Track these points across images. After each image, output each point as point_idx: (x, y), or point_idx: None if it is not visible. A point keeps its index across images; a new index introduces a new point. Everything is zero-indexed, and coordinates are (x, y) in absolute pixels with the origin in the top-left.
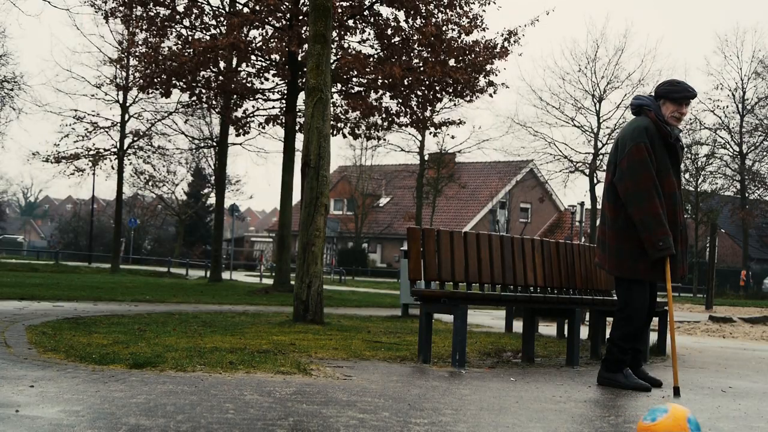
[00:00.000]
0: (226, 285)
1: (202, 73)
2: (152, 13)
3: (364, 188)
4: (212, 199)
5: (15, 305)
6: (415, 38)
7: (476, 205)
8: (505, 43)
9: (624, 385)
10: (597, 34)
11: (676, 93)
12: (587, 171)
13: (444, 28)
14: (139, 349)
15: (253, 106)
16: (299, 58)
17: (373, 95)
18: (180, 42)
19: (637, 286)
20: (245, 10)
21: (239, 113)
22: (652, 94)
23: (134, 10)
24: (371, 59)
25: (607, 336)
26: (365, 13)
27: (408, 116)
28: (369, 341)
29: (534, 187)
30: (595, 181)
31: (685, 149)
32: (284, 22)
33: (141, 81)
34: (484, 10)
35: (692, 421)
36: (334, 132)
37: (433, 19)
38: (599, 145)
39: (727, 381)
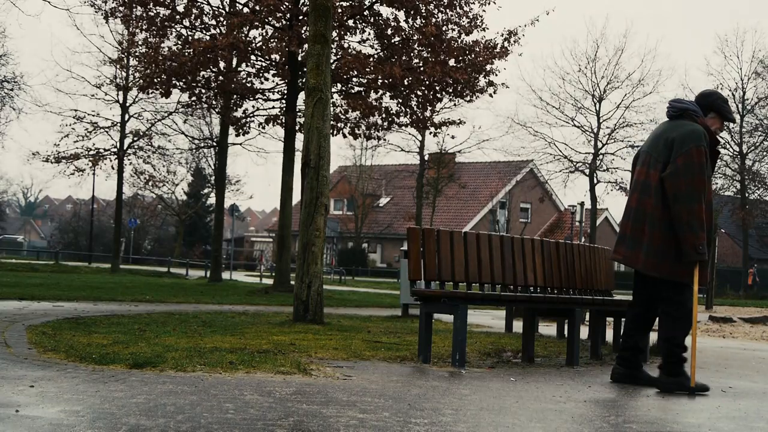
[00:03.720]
0: (226, 285)
1: (202, 73)
2: (152, 13)
3: (364, 188)
4: (212, 199)
5: (15, 305)
6: (415, 38)
7: (476, 205)
8: (505, 43)
9: (690, 388)
10: (597, 34)
11: (729, 114)
12: (587, 171)
13: (444, 28)
14: (139, 349)
15: (253, 106)
16: (299, 58)
17: (373, 95)
18: (180, 42)
19: (690, 286)
20: (245, 10)
21: (239, 113)
22: (692, 100)
23: (134, 10)
24: (371, 59)
25: (663, 338)
26: (365, 13)
27: (408, 116)
28: (369, 341)
29: (534, 187)
30: (595, 181)
31: None
32: (284, 22)
33: (141, 81)
34: (484, 10)
35: None
36: (334, 132)
37: (433, 19)
38: (599, 145)
39: (727, 381)
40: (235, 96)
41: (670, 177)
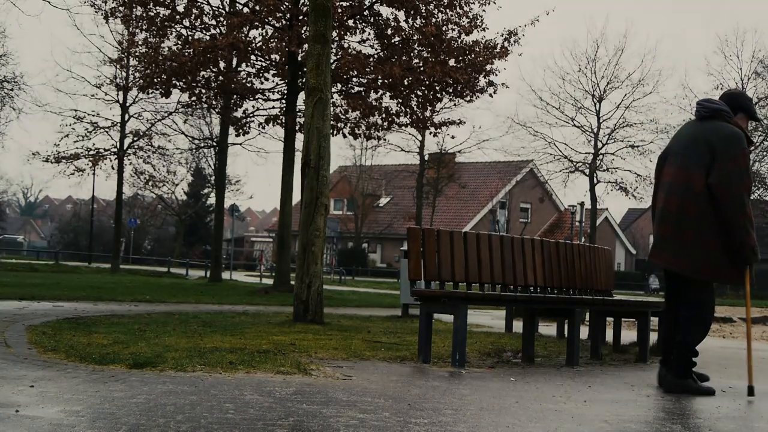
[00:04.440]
0: (226, 285)
1: (202, 73)
2: (152, 13)
3: (364, 188)
4: (212, 199)
5: (15, 305)
6: (415, 38)
7: (476, 205)
8: (505, 43)
9: (696, 391)
10: (597, 34)
11: (754, 112)
12: (587, 171)
13: (444, 28)
14: (139, 349)
15: (253, 106)
16: (299, 58)
17: (373, 95)
18: (180, 42)
19: (712, 289)
20: (245, 10)
21: (239, 113)
22: (720, 100)
23: (134, 10)
24: (371, 59)
25: (679, 340)
26: (365, 13)
27: (408, 116)
28: (369, 341)
29: (534, 187)
30: (595, 181)
31: None
32: (284, 22)
33: (141, 81)
34: (484, 10)
35: None
36: (334, 132)
37: (433, 19)
38: (599, 145)
39: (727, 381)
40: (235, 96)
41: (721, 183)
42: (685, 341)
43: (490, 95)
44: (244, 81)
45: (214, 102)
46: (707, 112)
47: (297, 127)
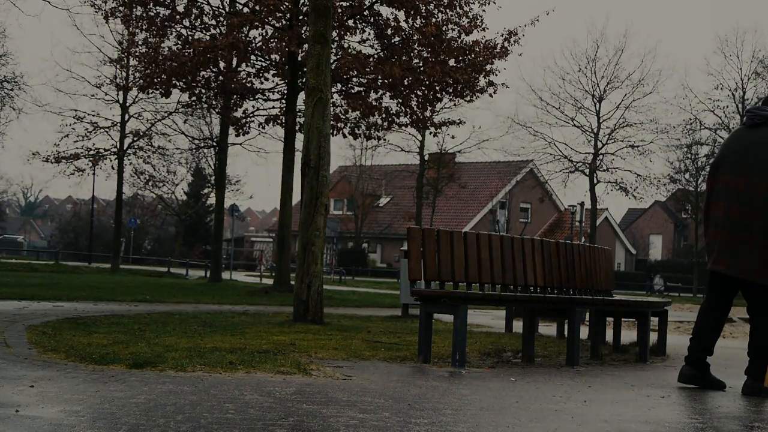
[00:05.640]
0: (226, 285)
1: (202, 73)
2: (152, 13)
3: (364, 188)
4: (212, 199)
5: (15, 305)
6: (415, 38)
7: (476, 205)
8: (505, 43)
9: (765, 389)
10: (597, 34)
11: None
12: (587, 171)
13: (444, 28)
14: (139, 349)
15: (253, 106)
16: (299, 58)
17: (373, 95)
18: (180, 42)
19: None
20: (245, 10)
21: (239, 113)
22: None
23: (134, 10)
24: (371, 59)
25: (756, 344)
26: (365, 13)
27: (408, 116)
28: (369, 341)
29: (534, 187)
30: (595, 181)
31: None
32: (284, 22)
33: (141, 81)
34: (484, 10)
35: None
36: (334, 132)
37: (433, 19)
38: (599, 145)
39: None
40: (235, 96)
41: None
42: (761, 346)
43: (490, 95)
44: (244, 81)
45: (214, 102)
46: (760, 119)
47: (297, 127)
